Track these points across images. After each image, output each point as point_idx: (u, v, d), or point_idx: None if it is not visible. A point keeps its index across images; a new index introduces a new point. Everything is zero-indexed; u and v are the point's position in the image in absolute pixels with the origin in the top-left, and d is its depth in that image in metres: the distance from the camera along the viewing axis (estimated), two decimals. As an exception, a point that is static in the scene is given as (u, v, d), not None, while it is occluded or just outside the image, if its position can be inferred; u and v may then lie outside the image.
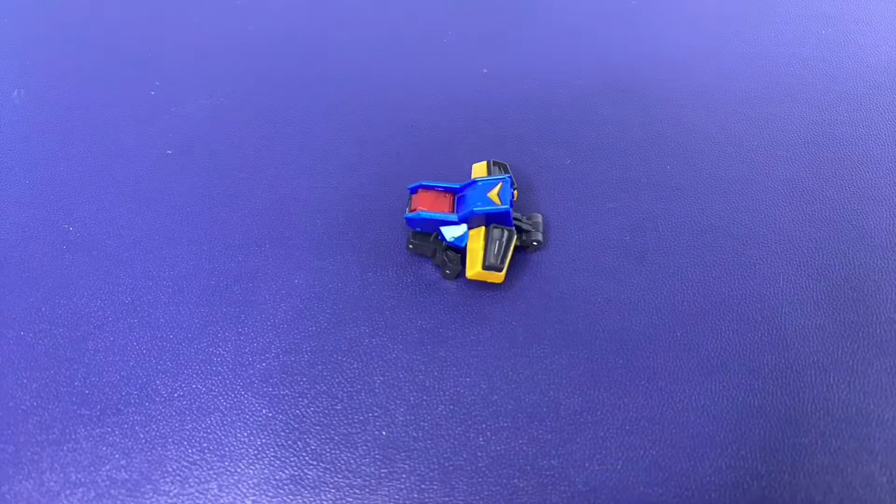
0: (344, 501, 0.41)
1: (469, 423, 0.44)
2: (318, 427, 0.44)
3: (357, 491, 0.41)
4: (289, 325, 0.48)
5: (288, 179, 0.56)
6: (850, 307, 0.49)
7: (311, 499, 0.41)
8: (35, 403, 0.44)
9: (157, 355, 0.46)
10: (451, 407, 0.44)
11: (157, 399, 0.44)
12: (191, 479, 0.42)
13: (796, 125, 0.61)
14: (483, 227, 0.49)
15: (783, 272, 0.51)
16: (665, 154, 0.58)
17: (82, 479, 0.41)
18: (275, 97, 0.63)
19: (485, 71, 0.65)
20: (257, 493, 0.41)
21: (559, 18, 0.71)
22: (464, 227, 0.48)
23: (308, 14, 0.71)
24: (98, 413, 0.44)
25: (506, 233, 0.48)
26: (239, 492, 0.41)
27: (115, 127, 0.60)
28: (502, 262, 0.47)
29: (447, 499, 0.41)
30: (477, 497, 0.41)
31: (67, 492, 0.41)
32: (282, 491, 0.41)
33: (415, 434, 0.43)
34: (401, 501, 0.41)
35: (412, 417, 0.44)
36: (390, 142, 0.59)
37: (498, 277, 0.48)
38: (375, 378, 0.45)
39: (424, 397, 0.45)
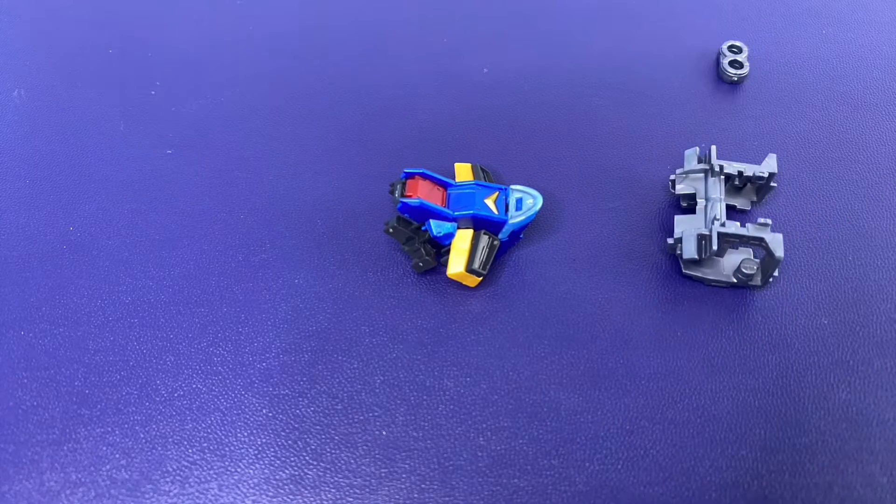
0: (344, 501, 0.41)
1: (469, 423, 0.44)
2: (318, 427, 0.44)
3: (357, 491, 0.41)
4: (289, 325, 0.48)
5: (288, 179, 0.56)
6: (850, 307, 0.49)
7: (312, 499, 0.41)
8: (35, 403, 0.44)
9: (157, 355, 0.46)
10: (451, 407, 0.44)
11: (157, 399, 0.44)
12: (191, 479, 0.42)
13: (796, 125, 0.61)
14: (471, 230, 0.49)
15: (783, 272, 0.51)
16: (665, 154, 0.58)
17: (82, 479, 0.41)
18: (275, 97, 0.63)
19: (485, 71, 0.65)
20: (257, 493, 0.41)
21: (560, 18, 0.71)
22: (453, 224, 0.48)
23: (308, 14, 0.71)
24: (98, 413, 0.44)
25: (493, 241, 0.48)
26: (239, 492, 0.41)
27: (116, 127, 0.60)
28: (484, 268, 0.48)
29: (447, 499, 0.41)
30: (477, 497, 0.41)
31: (67, 492, 0.41)
32: (282, 491, 0.41)
33: (415, 434, 0.43)
34: (401, 501, 0.41)
35: (412, 417, 0.44)
36: (390, 141, 0.59)
37: (474, 282, 0.48)
38: (375, 378, 0.46)
39: (424, 397, 0.45)
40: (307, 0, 0.72)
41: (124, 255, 0.51)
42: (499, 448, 0.43)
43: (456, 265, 0.47)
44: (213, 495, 0.41)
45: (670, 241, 0.50)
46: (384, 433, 0.43)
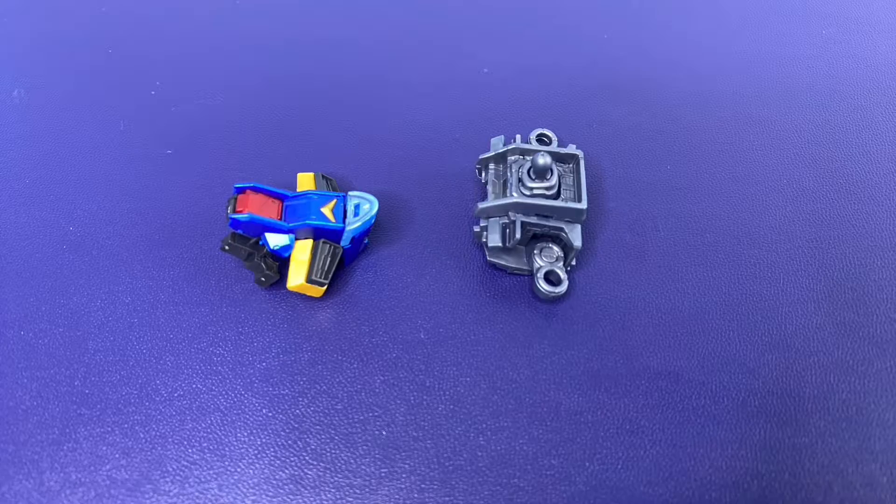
0: (344, 501, 0.41)
1: (469, 423, 0.44)
2: (318, 427, 0.44)
3: (357, 491, 0.41)
4: (289, 325, 0.48)
5: (288, 179, 0.56)
6: (850, 307, 0.49)
7: (312, 498, 0.41)
8: (35, 403, 0.44)
9: (157, 355, 0.46)
10: (451, 407, 0.44)
11: (157, 399, 0.45)
12: (191, 479, 0.42)
13: (796, 125, 0.61)
14: (311, 241, 0.48)
15: (783, 272, 0.51)
16: (665, 154, 0.58)
17: (82, 479, 0.41)
18: (274, 97, 0.63)
19: (485, 71, 0.65)
20: (257, 492, 0.41)
21: (560, 18, 0.71)
22: (290, 236, 0.48)
23: (307, 14, 0.71)
24: (98, 413, 0.44)
25: (333, 249, 0.48)
26: (239, 491, 0.41)
27: (115, 127, 0.60)
28: (326, 277, 0.47)
29: (447, 499, 0.41)
30: (477, 497, 0.41)
31: (67, 491, 0.41)
32: (282, 491, 0.41)
33: (415, 434, 0.43)
34: (401, 501, 0.41)
35: (412, 417, 0.44)
36: (390, 141, 0.59)
37: (318, 292, 0.47)
38: (375, 378, 0.46)
39: (424, 397, 0.45)
40: (307, 1, 0.72)
41: (124, 255, 0.51)
42: (499, 448, 0.43)
43: (296, 277, 0.47)
44: (213, 495, 0.41)
45: (476, 229, 0.50)
46: (384, 433, 0.43)
